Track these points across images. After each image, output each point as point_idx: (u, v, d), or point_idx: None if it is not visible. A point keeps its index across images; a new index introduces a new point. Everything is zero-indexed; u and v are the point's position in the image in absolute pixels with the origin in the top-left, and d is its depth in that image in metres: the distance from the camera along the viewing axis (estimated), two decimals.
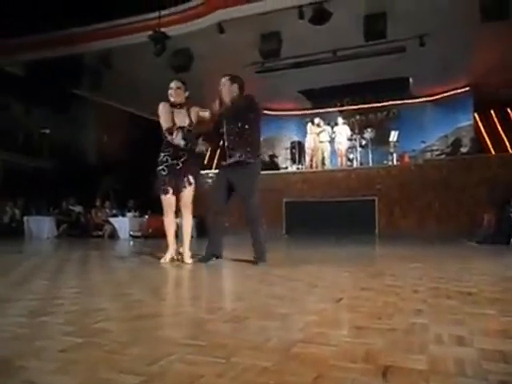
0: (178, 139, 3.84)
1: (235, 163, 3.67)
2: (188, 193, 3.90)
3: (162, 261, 3.85)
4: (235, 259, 3.91)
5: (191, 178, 3.90)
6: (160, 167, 3.89)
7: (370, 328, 1.47)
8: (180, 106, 3.95)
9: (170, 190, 3.86)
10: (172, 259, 3.90)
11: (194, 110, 3.99)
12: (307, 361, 1.12)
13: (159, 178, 3.89)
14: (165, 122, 3.89)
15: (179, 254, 3.96)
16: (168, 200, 3.89)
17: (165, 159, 3.88)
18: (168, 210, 3.93)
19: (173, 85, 3.96)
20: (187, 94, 4.00)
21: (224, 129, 3.75)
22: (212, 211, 3.89)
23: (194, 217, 4.09)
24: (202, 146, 3.89)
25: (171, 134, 3.84)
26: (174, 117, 3.90)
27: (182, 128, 3.88)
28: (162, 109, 3.94)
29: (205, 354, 1.18)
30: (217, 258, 3.85)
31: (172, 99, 3.94)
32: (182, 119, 3.92)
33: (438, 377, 1.01)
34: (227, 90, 3.81)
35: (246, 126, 3.68)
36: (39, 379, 1.00)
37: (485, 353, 1.18)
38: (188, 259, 3.83)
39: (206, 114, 4.00)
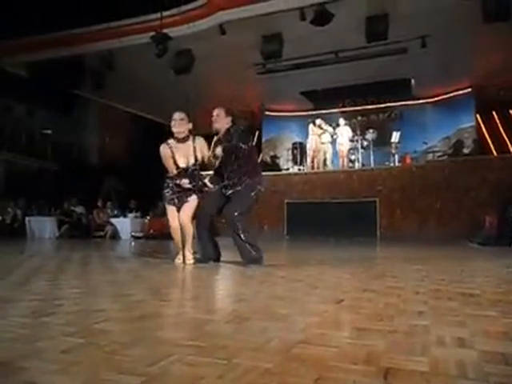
0: (183, 183, 3.84)
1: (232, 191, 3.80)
2: (189, 204, 3.88)
3: (177, 261, 3.95)
4: (236, 261, 3.91)
5: (193, 196, 3.90)
6: (165, 191, 3.96)
7: (371, 329, 1.47)
8: (183, 139, 3.87)
9: (174, 204, 3.91)
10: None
11: (199, 144, 3.92)
12: (308, 362, 1.12)
13: (164, 198, 3.97)
14: (169, 168, 3.89)
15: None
16: (172, 211, 3.93)
17: (170, 187, 3.93)
18: (173, 219, 3.94)
19: (176, 116, 3.88)
20: (191, 125, 3.91)
21: (222, 166, 3.83)
22: (201, 219, 3.92)
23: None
24: (210, 185, 3.99)
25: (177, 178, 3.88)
26: (175, 157, 3.85)
27: (186, 170, 3.86)
28: (164, 154, 3.88)
29: (205, 355, 1.18)
30: (214, 261, 3.94)
31: (175, 130, 3.85)
32: (185, 154, 3.87)
33: (439, 378, 1.01)
34: (221, 122, 3.85)
35: (242, 162, 3.77)
36: (40, 380, 1.00)
37: (486, 355, 1.18)
38: (189, 260, 3.88)
39: (205, 158, 3.94)
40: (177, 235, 3.96)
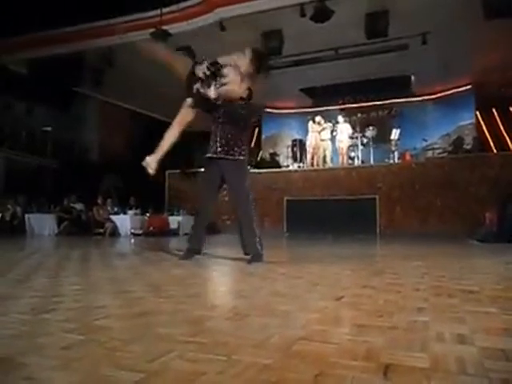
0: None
1: (225, 159, 3.68)
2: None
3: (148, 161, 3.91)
4: (236, 257, 3.91)
5: None
6: None
7: (371, 326, 1.47)
8: None
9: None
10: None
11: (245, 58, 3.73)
12: (308, 358, 1.12)
13: None
14: None
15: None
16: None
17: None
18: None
19: None
20: None
21: (220, 120, 3.73)
22: (200, 205, 3.89)
23: (192, 214, 4.07)
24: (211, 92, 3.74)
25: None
26: None
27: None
28: None
29: (206, 351, 1.18)
30: (197, 254, 3.85)
31: None
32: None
33: (438, 375, 1.01)
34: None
35: (243, 130, 3.75)
36: (41, 376, 1.00)
37: (486, 351, 1.18)
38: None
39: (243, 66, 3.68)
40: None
